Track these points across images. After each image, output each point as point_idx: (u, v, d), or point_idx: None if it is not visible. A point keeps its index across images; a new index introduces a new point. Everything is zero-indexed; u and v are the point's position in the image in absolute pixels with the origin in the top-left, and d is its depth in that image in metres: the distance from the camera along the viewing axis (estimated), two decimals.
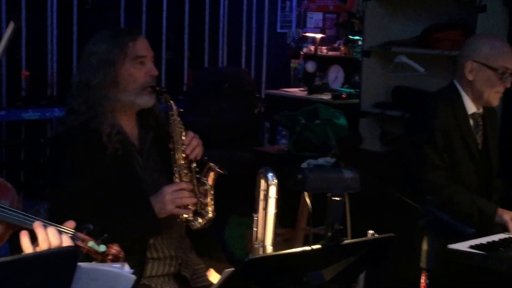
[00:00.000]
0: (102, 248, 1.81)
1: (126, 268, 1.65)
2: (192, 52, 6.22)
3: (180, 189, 2.37)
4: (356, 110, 4.92)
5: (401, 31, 4.81)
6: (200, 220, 2.42)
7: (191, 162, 2.44)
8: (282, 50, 6.57)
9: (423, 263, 1.80)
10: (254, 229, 2.16)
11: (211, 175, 2.45)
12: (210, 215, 2.43)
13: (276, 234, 2.18)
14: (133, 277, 1.62)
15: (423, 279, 1.80)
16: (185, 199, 2.36)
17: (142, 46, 2.47)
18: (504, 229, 2.92)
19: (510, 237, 2.80)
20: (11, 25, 1.92)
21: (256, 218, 2.16)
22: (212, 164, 2.45)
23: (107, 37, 2.46)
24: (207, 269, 2.51)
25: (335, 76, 5.97)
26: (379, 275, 2.25)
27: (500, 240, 2.76)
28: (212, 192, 2.44)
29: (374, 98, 4.85)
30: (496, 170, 3.15)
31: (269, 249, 2.15)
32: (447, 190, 2.94)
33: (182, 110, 2.52)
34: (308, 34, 6.24)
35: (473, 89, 3.02)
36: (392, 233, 1.83)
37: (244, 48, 6.53)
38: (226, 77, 5.81)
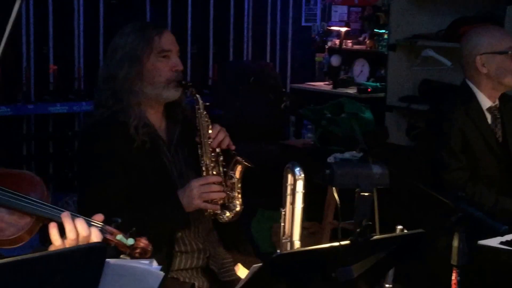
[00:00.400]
0: (130, 241, 1.80)
1: (154, 264, 1.63)
2: (217, 46, 6.22)
3: (208, 183, 2.36)
4: (381, 104, 4.89)
5: (427, 24, 4.77)
6: (227, 213, 2.42)
7: (218, 155, 2.44)
8: (307, 43, 6.53)
9: (454, 260, 1.78)
10: (282, 224, 2.15)
11: (238, 168, 2.44)
12: (238, 208, 2.43)
13: (302, 228, 2.17)
14: (162, 273, 1.61)
15: (454, 276, 1.78)
16: (213, 194, 2.36)
17: (167, 40, 2.47)
18: None
19: None
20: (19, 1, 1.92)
21: (283, 212, 2.14)
22: (239, 157, 2.44)
23: (133, 31, 2.46)
24: (234, 263, 2.51)
25: (360, 70, 5.93)
26: (408, 271, 2.23)
27: None
28: (239, 185, 2.44)
29: (400, 92, 4.82)
30: None
31: (297, 244, 2.13)
32: (466, 191, 2.93)
33: (208, 104, 2.52)
34: (333, 28, 6.21)
35: (491, 80, 3.03)
36: (421, 229, 1.82)
37: (269, 42, 6.51)
38: (251, 71, 5.80)
